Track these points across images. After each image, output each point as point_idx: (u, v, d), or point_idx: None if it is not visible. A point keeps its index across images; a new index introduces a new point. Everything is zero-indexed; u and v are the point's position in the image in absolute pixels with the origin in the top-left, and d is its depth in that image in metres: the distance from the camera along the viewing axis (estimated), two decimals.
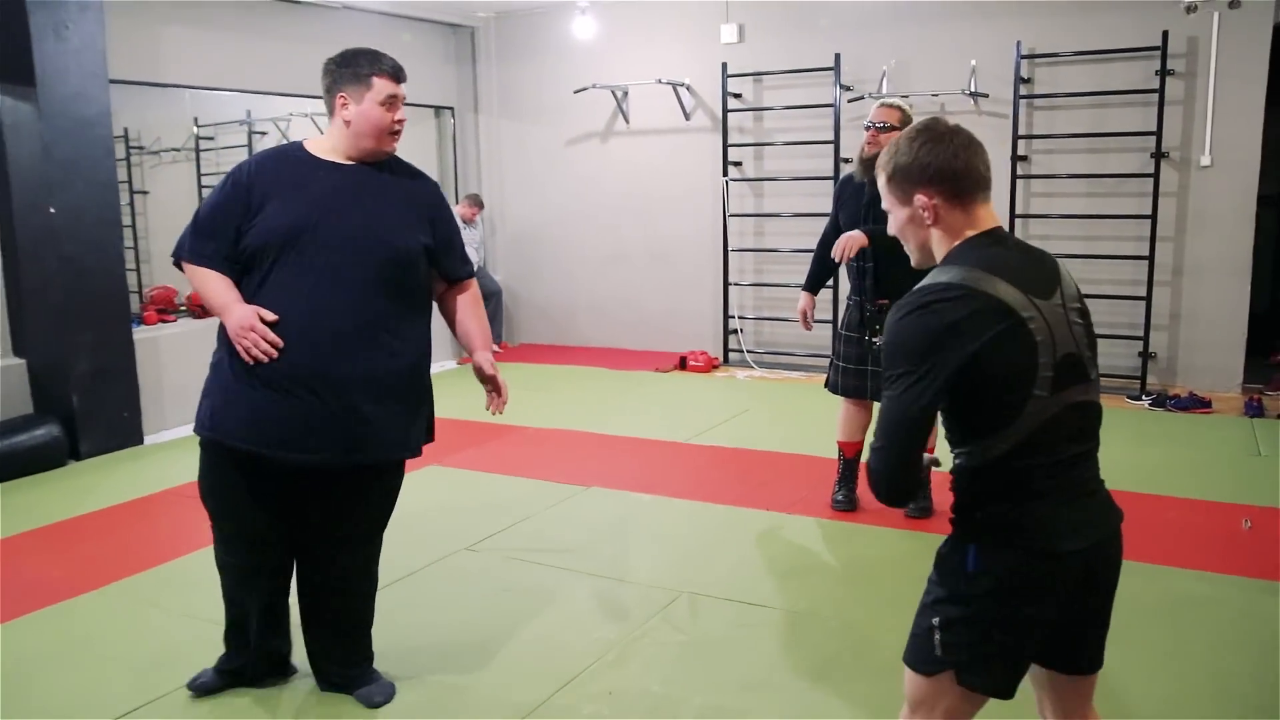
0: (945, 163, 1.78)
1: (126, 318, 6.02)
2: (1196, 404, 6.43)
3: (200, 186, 9.14)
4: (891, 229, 1.92)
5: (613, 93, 8.43)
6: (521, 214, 9.22)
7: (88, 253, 5.68)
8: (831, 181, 7.52)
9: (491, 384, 3.01)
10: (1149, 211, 6.75)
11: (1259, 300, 6.94)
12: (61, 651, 3.30)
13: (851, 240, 4.19)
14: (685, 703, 2.90)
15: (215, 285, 2.67)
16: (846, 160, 7.55)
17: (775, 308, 8.15)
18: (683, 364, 8.07)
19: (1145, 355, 6.86)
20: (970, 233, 1.80)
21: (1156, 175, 6.69)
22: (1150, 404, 6.55)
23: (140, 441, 6.03)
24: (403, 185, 2.79)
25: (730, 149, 8.06)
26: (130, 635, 3.41)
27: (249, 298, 2.65)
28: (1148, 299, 6.82)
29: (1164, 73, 6.59)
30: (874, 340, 4.29)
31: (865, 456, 1.99)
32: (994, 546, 1.75)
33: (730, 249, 8.17)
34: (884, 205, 1.91)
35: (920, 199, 1.80)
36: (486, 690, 2.99)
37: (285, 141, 9.42)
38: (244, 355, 2.58)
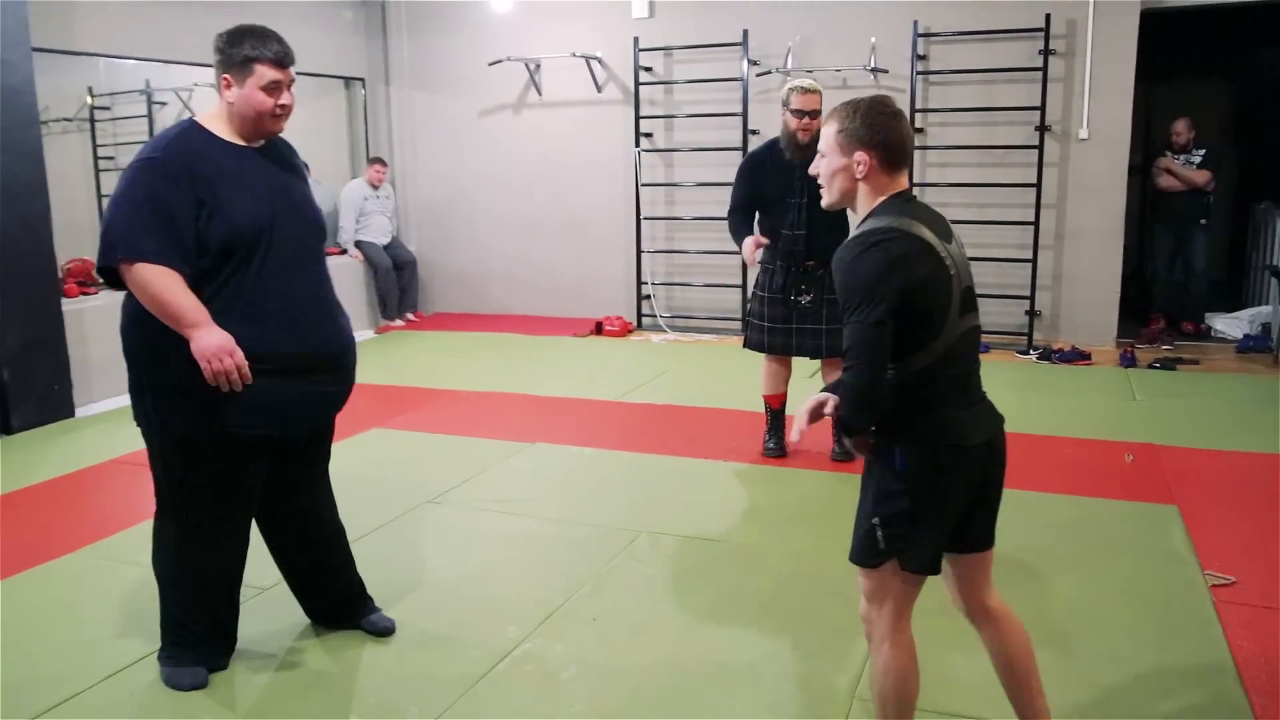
0: (892, 136, 2.17)
1: (55, 289, 6.00)
2: (1078, 356, 7.05)
3: (96, 159, 8.96)
4: (821, 168, 2.26)
5: (526, 65, 8.62)
6: (435, 184, 9.34)
7: (14, 223, 5.64)
8: (739, 152, 7.89)
9: None
10: (1034, 181, 7.32)
11: (1125, 263, 7.59)
12: (13, 628, 3.43)
13: (749, 244, 4.70)
14: (664, 623, 3.23)
15: (183, 295, 2.57)
16: (754, 132, 7.94)
17: (686, 273, 8.51)
18: (598, 329, 8.37)
19: (1031, 313, 7.46)
20: (892, 192, 2.19)
21: (1040, 147, 7.26)
22: (1037, 358, 7.15)
23: (72, 414, 6.03)
24: (295, 163, 2.93)
25: (641, 121, 8.34)
26: (92, 605, 3.55)
27: (217, 296, 2.64)
28: (1033, 262, 7.41)
29: (1047, 52, 7.14)
30: (800, 299, 4.69)
31: (790, 408, 2.29)
32: (917, 446, 2.13)
33: (642, 217, 8.47)
34: (820, 148, 2.26)
35: (860, 155, 2.16)
36: (476, 628, 3.23)
37: (187, 114, 9.41)
38: (210, 378, 2.56)
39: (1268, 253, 8.05)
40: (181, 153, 2.64)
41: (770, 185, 4.75)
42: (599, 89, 8.50)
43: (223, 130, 2.72)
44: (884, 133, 2.16)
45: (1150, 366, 6.80)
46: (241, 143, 2.74)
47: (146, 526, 3.00)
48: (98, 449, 5.27)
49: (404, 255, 9.03)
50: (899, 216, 2.13)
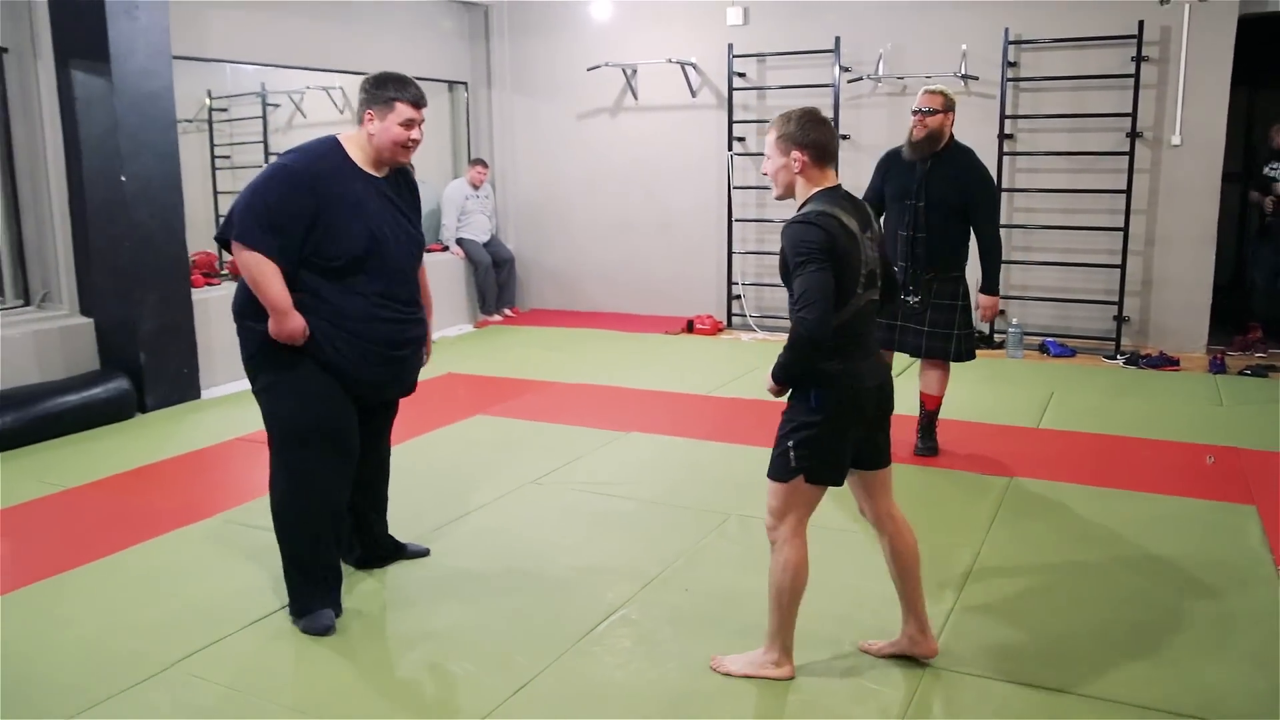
0: (819, 138, 2.75)
1: (187, 279, 6.48)
2: (1166, 362, 7.08)
3: (214, 158, 9.52)
4: (769, 166, 2.81)
5: (623, 70, 8.93)
6: (533, 185, 9.71)
7: (153, 218, 6.12)
8: None
9: None
10: (1124, 187, 7.36)
11: (1222, 271, 7.56)
12: (162, 580, 3.82)
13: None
14: (751, 594, 3.45)
15: (278, 283, 3.06)
16: (845, 137, 8.12)
17: (775, 274, 8.68)
18: (690, 327, 8.63)
19: (1119, 319, 7.50)
20: (824, 185, 2.76)
21: (1131, 153, 7.30)
22: (1124, 363, 7.19)
23: (198, 395, 6.49)
24: (412, 190, 3.41)
25: (734, 125, 8.58)
26: (230, 562, 3.92)
27: (329, 291, 3.14)
28: (1122, 267, 7.45)
29: (1139, 59, 7.18)
30: (909, 299, 4.82)
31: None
32: (829, 388, 2.72)
33: (734, 219, 8.71)
34: (766, 152, 2.81)
35: (796, 154, 2.74)
36: (578, 593, 3.52)
37: (299, 116, 9.93)
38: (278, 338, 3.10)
39: None
40: (313, 167, 3.12)
41: (893, 184, 4.89)
42: (693, 94, 8.77)
43: (358, 156, 3.20)
44: (813, 136, 2.73)
45: (1241, 373, 6.80)
46: (371, 170, 3.21)
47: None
48: (223, 428, 5.71)
49: (503, 253, 9.41)
50: (830, 205, 2.69)
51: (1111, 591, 3.51)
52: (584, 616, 3.33)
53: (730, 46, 8.44)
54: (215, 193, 9.19)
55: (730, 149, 8.61)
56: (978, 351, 4.78)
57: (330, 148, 3.20)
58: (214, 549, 3.96)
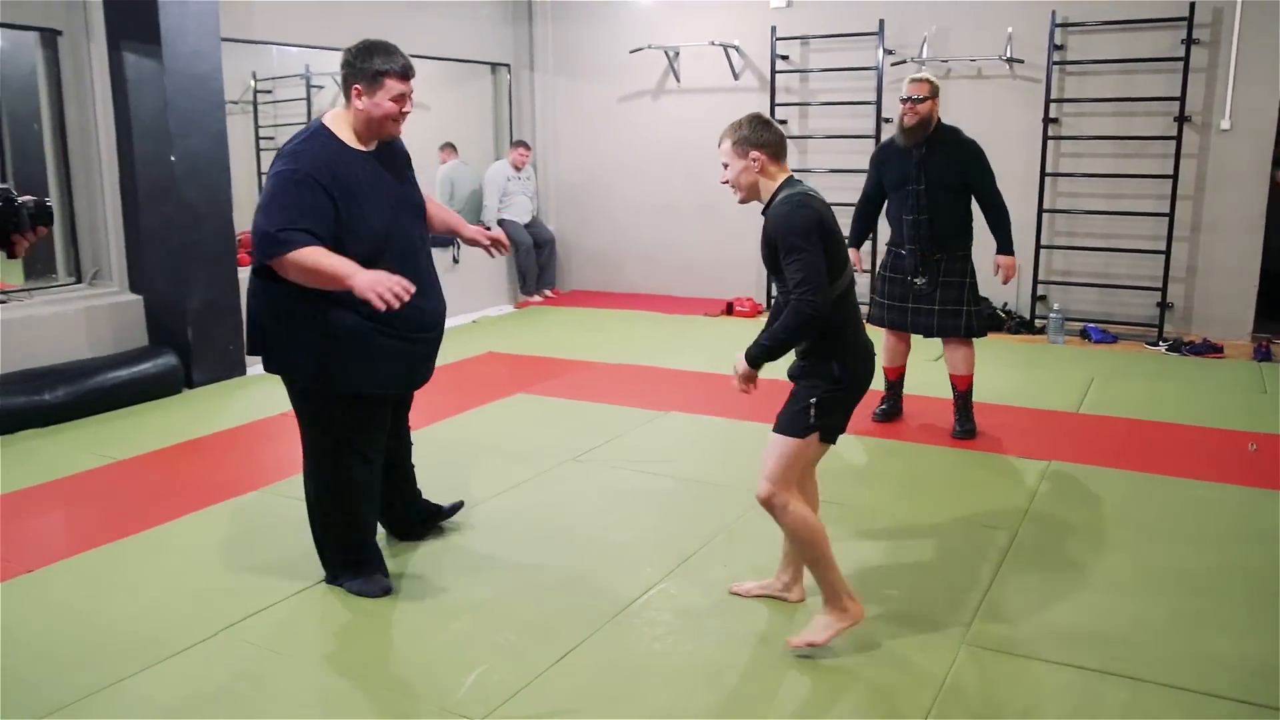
0: (771, 137, 2.92)
1: (233, 258, 6.58)
2: (1210, 349, 7.00)
3: (258, 138, 9.66)
4: (731, 174, 2.96)
5: (665, 53, 8.93)
6: (574, 167, 9.75)
7: (202, 198, 6.24)
8: (872, 140, 8.06)
9: (491, 242, 3.66)
10: (1170, 172, 7.27)
11: (1270, 259, 7.44)
12: (216, 549, 3.92)
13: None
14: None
15: (332, 256, 2.93)
16: (888, 120, 8.07)
17: None
18: (729, 309, 8.65)
19: (1163, 305, 7.42)
20: (783, 176, 2.92)
21: (1179, 138, 7.21)
22: (1167, 349, 7.12)
23: (243, 372, 6.61)
24: (404, 158, 3.36)
25: (777, 108, 8.56)
26: (278, 533, 4.01)
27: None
28: (1167, 253, 7.36)
29: (1189, 41, 7.08)
30: (917, 280, 5.02)
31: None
32: (850, 358, 2.93)
33: None
34: (723, 159, 2.97)
35: (754, 154, 2.90)
36: (618, 567, 3.58)
37: (345, 96, 10.03)
38: (387, 301, 2.84)
39: None
40: (318, 163, 3.05)
41: (890, 173, 5.08)
42: (736, 77, 8.76)
43: (348, 135, 3.15)
44: (765, 135, 2.90)
45: None
46: (363, 148, 3.17)
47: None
48: (266, 404, 5.80)
49: (544, 234, 9.47)
50: (801, 188, 2.88)
51: (1149, 575, 3.51)
52: (624, 590, 3.39)
53: (773, 29, 8.41)
54: (259, 174, 9.33)
55: None
56: (1019, 336, 4.95)
57: (324, 137, 3.12)
58: (258, 520, 4.06)
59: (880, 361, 5.24)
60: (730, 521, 3.98)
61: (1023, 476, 4.49)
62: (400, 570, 3.56)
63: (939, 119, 4.95)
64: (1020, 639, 3.06)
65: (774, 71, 8.50)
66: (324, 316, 3.11)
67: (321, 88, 9.73)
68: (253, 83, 9.55)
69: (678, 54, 8.96)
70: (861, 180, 5.37)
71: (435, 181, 9.14)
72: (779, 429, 2.97)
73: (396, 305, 2.89)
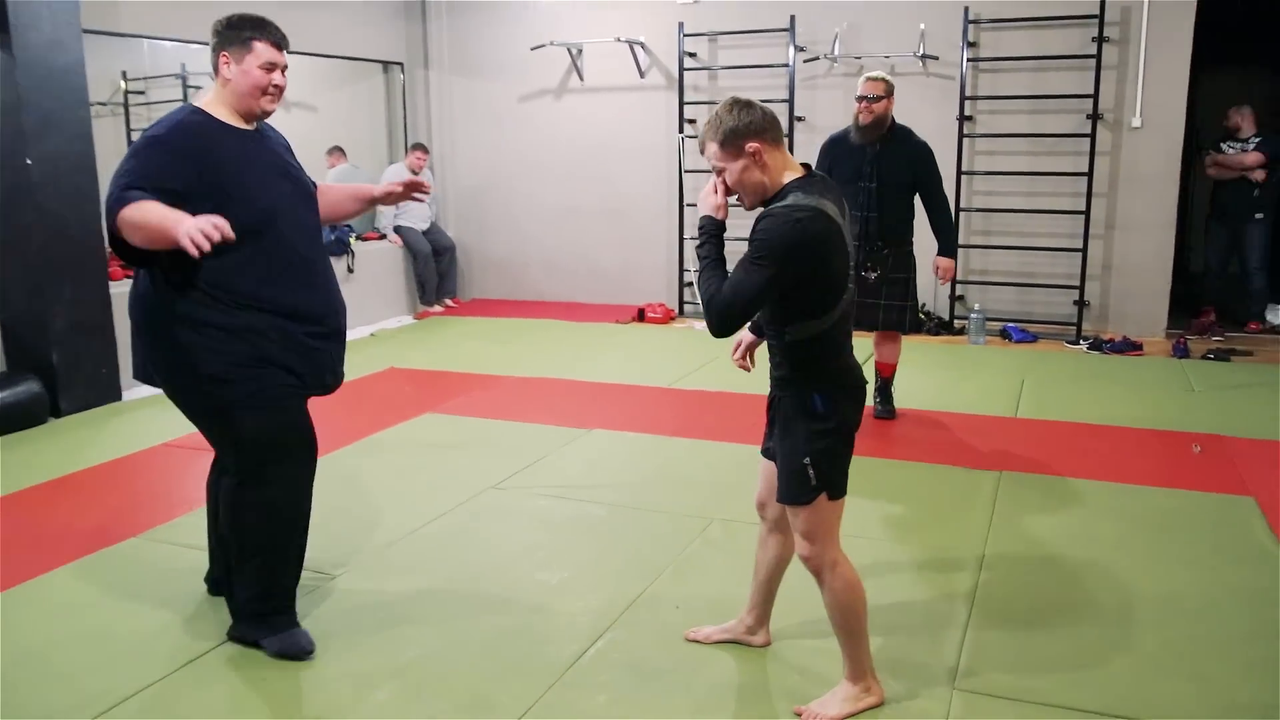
0: (760, 118, 2.41)
1: (103, 271, 5.95)
2: (1129, 347, 6.96)
3: (130, 144, 8.94)
4: (731, 179, 2.44)
5: (568, 50, 8.55)
6: (474, 170, 9.29)
7: (65, 205, 5.60)
8: (787, 139, 7.83)
9: (409, 186, 3.25)
10: (1084, 170, 7.21)
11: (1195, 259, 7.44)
12: (84, 615, 3.40)
13: None
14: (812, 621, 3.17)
15: (162, 208, 2.56)
16: (800, 119, 7.88)
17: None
18: (641, 316, 8.31)
19: (1081, 303, 7.36)
20: (791, 173, 2.43)
21: (1093, 136, 7.15)
22: (1088, 347, 7.05)
23: (119, 398, 5.99)
24: (284, 145, 3.03)
25: (685, 107, 8.26)
26: (163, 589, 3.51)
27: (236, 259, 2.70)
28: (1084, 252, 7.31)
29: (1101, 39, 7.03)
30: (867, 275, 4.98)
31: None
32: (831, 390, 2.48)
33: (686, 204, 8.40)
34: (716, 164, 2.44)
35: (751, 146, 2.38)
36: (559, 615, 3.18)
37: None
38: (196, 243, 2.42)
39: None
40: (186, 133, 2.74)
41: (841, 168, 4.98)
42: (642, 75, 8.43)
43: (222, 113, 2.82)
44: (754, 118, 2.40)
45: (1204, 357, 6.70)
46: (241, 125, 2.85)
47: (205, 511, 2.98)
48: (147, 432, 5.23)
49: (443, 241, 8.98)
50: (817, 197, 2.36)
51: (1131, 598, 3.27)
52: (567, 643, 2.99)
53: (680, 25, 8.11)
54: None
55: (681, 131, 8.30)
56: (940, 338, 4.97)
57: (190, 111, 2.82)
58: (140, 573, 3.53)
59: None
60: (675, 554, 3.62)
61: (976, 489, 4.24)
62: (308, 623, 3.09)
63: (893, 118, 4.96)
64: (1012, 682, 2.77)
65: (682, 69, 8.19)
66: (205, 312, 2.74)
67: (199, 88, 9.05)
68: (123, 83, 8.82)
69: (581, 51, 8.58)
70: None
71: None
72: (783, 498, 2.56)
73: (206, 246, 2.44)
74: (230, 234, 2.50)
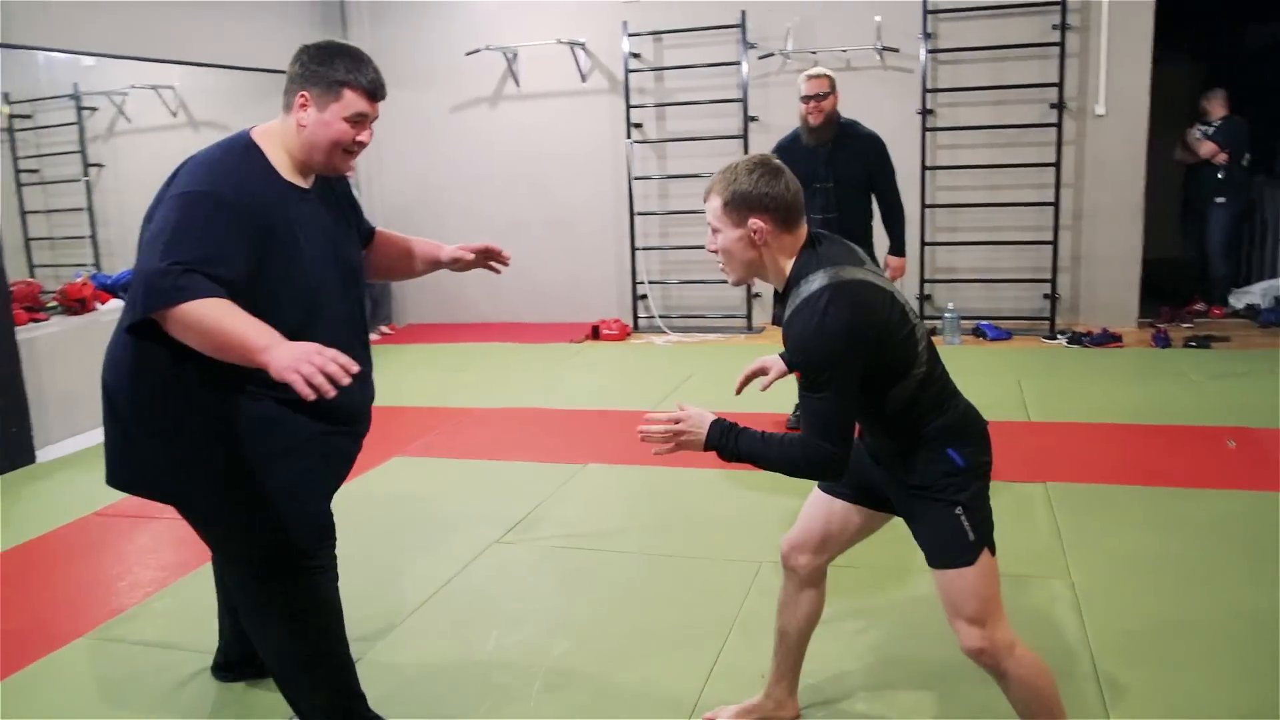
0: (780, 193, 2.05)
1: (6, 314, 5.25)
2: (1110, 339, 6.77)
3: (17, 171, 8.12)
4: (721, 244, 2.11)
5: (504, 54, 8.05)
6: (404, 185, 8.69)
7: None
8: (739, 140, 7.50)
9: (483, 254, 2.76)
10: (1051, 160, 7.03)
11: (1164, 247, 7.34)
12: None
13: None
14: (846, 677, 2.75)
15: (242, 315, 2.03)
16: (754, 119, 7.54)
17: (683, 270, 8.04)
18: (595, 333, 7.85)
19: (1053, 297, 7.17)
20: (799, 249, 2.09)
21: (1060, 125, 6.97)
22: (1067, 342, 6.85)
23: (32, 460, 5.28)
24: (347, 201, 2.52)
25: (632, 110, 7.84)
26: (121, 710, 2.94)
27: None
28: (1054, 244, 7.12)
29: (1064, 27, 6.85)
30: None
31: None
32: (963, 441, 2.10)
33: (635, 212, 7.97)
34: (712, 221, 2.10)
35: (755, 223, 2.04)
36: (644, 697, 2.72)
37: (122, 120, 8.60)
38: (317, 386, 1.90)
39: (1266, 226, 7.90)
40: (240, 189, 2.17)
41: (796, 172, 4.52)
42: (584, 78, 7.98)
43: (281, 161, 2.27)
44: (774, 191, 2.05)
45: (1186, 345, 6.55)
46: (300, 182, 2.30)
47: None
48: (73, 502, 4.52)
49: None
50: (831, 267, 2.04)
51: (1249, 610, 2.96)
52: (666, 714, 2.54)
53: (624, 25, 7.68)
54: (22, 212, 7.81)
55: (629, 137, 7.86)
56: None
57: (247, 152, 2.24)
58: (93, 687, 2.93)
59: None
60: (735, 608, 3.18)
61: (1029, 504, 3.91)
62: None
63: (838, 112, 4.78)
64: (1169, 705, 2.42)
65: (627, 71, 7.77)
66: (226, 404, 2.19)
67: (95, 110, 8.27)
68: (5, 107, 7.99)
69: (516, 55, 8.09)
70: None
71: None
72: (935, 564, 2.12)
73: (331, 392, 1.92)
74: (354, 371, 1.95)
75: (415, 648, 3.04)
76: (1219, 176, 7.35)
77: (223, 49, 7.17)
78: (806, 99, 4.68)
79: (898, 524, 2.28)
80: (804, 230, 2.11)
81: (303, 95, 2.23)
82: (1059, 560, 3.42)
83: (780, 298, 2.16)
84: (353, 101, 2.23)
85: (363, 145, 2.29)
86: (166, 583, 3.58)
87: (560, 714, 2.65)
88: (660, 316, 8.05)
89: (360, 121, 2.25)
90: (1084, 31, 6.97)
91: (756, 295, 7.83)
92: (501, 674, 2.86)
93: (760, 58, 7.50)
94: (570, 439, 5.16)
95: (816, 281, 2.01)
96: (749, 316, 7.84)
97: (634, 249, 8.00)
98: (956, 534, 2.07)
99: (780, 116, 7.45)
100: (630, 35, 7.71)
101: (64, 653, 3.12)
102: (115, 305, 6.06)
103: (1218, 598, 3.12)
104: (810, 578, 2.39)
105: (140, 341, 2.16)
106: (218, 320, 1.99)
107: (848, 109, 4.84)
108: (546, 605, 3.30)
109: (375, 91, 2.28)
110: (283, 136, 2.27)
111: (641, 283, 8.07)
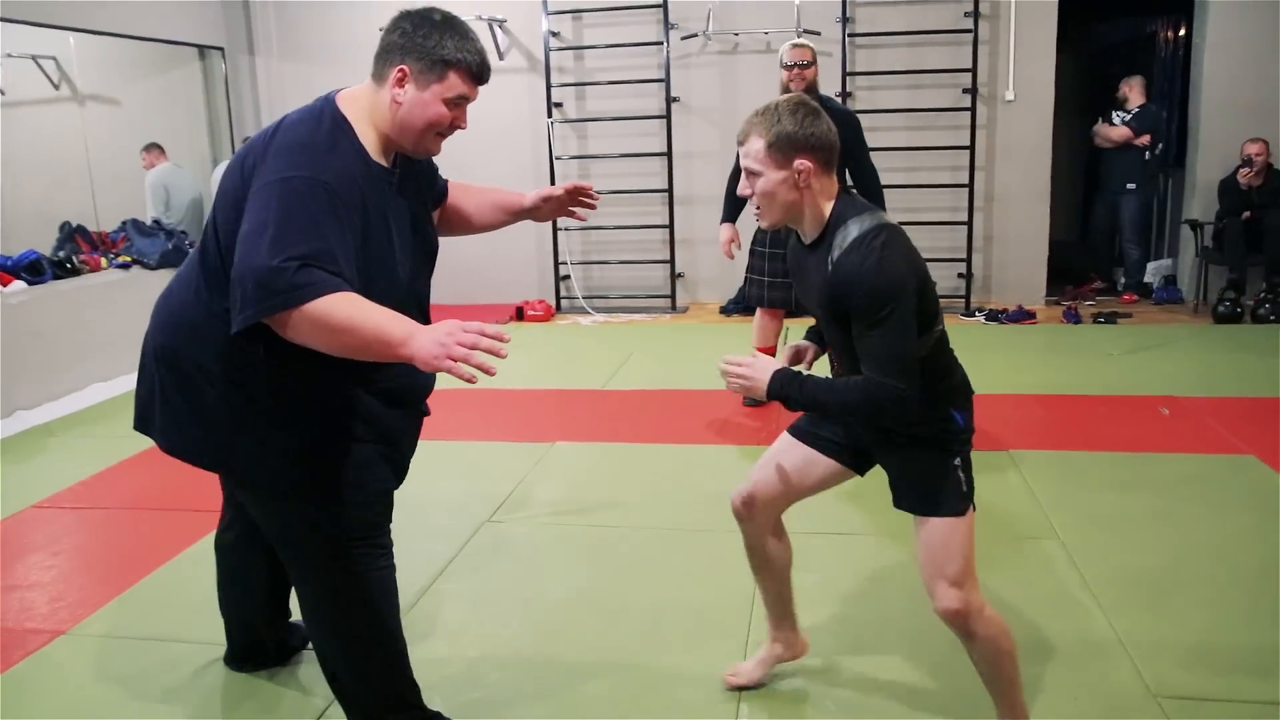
0: (824, 134, 2.06)
1: None
2: (1025, 316, 7.10)
3: None
4: (761, 187, 2.07)
5: None
6: None
7: None
8: (661, 120, 7.53)
9: (573, 193, 2.61)
10: (965, 143, 7.29)
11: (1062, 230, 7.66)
12: None
13: (724, 242, 5.06)
14: (868, 632, 2.82)
15: (379, 311, 1.88)
16: (676, 99, 7.56)
17: (605, 251, 8.02)
18: (520, 314, 7.76)
19: (968, 276, 7.45)
20: (835, 195, 2.11)
21: (974, 109, 7.23)
22: (985, 319, 7.14)
23: None
24: (428, 178, 2.39)
25: (553, 89, 7.76)
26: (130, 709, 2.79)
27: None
28: (969, 225, 7.40)
29: (976, 14, 7.11)
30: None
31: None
32: (963, 402, 2.18)
33: None
34: (753, 164, 2.06)
35: (801, 163, 2.04)
36: (682, 685, 2.71)
37: (0, 94, 7.98)
38: (484, 366, 1.78)
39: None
40: (341, 177, 1.98)
41: None
42: (501, 56, 7.85)
43: (369, 138, 2.08)
44: (819, 132, 2.05)
45: (1095, 321, 6.92)
46: (385, 162, 2.12)
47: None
48: (17, 488, 4.28)
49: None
50: (874, 213, 2.07)
51: (1233, 569, 3.16)
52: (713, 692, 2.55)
53: (544, 3, 7.60)
54: None
55: (550, 116, 7.79)
56: None
57: (342, 136, 2.04)
58: (101, 688, 2.77)
59: (753, 341, 5.05)
60: (749, 580, 3.20)
61: (998, 470, 4.08)
62: None
63: (817, 85, 4.83)
64: (1205, 683, 2.57)
65: (547, 50, 7.69)
66: (308, 385, 2.12)
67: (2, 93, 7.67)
68: None
69: None
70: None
71: (145, 190, 7.49)
72: (929, 511, 2.12)
73: (495, 373, 1.81)
74: (506, 339, 1.84)
75: (439, 634, 2.97)
76: (1145, 158, 7.65)
77: (110, 16, 6.79)
78: (789, 67, 4.71)
79: (872, 495, 2.32)
80: (836, 179, 2.12)
81: (401, 70, 2.03)
82: (1044, 521, 3.58)
83: (811, 245, 2.12)
84: (456, 83, 2.05)
85: (457, 129, 2.11)
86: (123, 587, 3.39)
87: (616, 699, 2.63)
88: (584, 297, 8.02)
89: (460, 104, 2.08)
90: (994, 19, 7.26)
91: (680, 276, 7.89)
92: (536, 659, 2.82)
93: (683, 38, 7.53)
94: (529, 419, 5.11)
95: (867, 221, 2.03)
96: (673, 296, 7.89)
97: (555, 229, 7.94)
98: (954, 485, 2.12)
99: (701, 97, 7.52)
100: (550, 14, 7.63)
101: (47, 650, 2.93)
102: (18, 287, 5.68)
103: (1201, 550, 3.32)
104: (766, 525, 2.44)
105: (207, 306, 2.08)
106: (349, 317, 1.83)
107: (769, 91, 4.84)
108: (563, 588, 3.25)
109: (482, 74, 2.10)
110: (371, 112, 2.08)
111: (564, 263, 8.02)
